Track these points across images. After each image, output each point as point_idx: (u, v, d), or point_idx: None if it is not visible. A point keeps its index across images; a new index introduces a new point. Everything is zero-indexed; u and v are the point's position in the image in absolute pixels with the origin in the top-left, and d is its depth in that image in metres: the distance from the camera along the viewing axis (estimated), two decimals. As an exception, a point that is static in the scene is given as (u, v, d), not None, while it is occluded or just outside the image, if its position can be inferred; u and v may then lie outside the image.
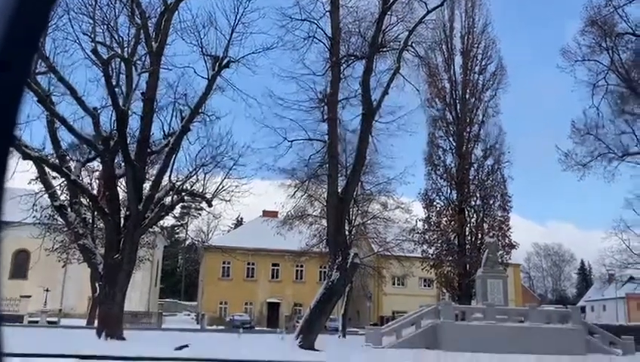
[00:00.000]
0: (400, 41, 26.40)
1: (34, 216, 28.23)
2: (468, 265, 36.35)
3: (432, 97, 39.44)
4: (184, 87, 26.61)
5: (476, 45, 40.30)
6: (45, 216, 30.73)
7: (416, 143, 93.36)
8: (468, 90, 39.46)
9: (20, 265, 51.50)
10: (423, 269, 39.60)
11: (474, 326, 25.91)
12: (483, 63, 39.95)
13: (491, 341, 24.05)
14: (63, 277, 49.86)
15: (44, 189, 25.47)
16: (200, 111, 24.62)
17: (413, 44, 27.10)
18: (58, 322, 41.38)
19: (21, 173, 26.67)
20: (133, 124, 24.73)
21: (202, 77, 24.31)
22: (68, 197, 26.61)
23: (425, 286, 55.06)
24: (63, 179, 25.00)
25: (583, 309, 63.02)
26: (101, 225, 28.13)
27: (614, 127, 30.99)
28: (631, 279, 47.76)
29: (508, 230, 38.11)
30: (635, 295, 58.96)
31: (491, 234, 36.47)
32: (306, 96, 26.36)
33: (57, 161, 23.98)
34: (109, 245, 23.34)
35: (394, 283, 53.96)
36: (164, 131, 25.69)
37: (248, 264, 56.68)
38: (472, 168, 38.77)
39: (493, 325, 25.58)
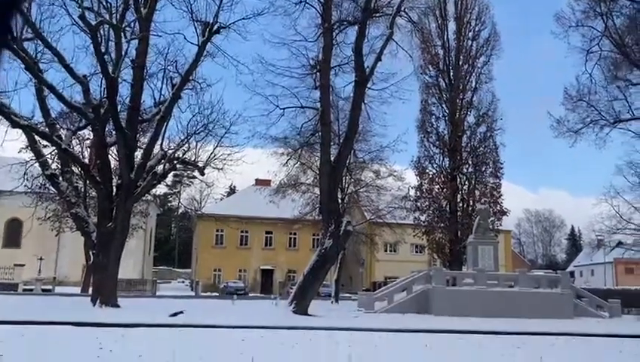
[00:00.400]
0: (393, 7, 26.04)
1: (25, 185, 28.12)
2: (459, 232, 36.71)
3: (425, 64, 39.18)
4: (174, 53, 26.29)
5: (470, 11, 39.86)
6: (37, 185, 30.65)
7: (409, 111, 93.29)
8: (461, 57, 39.19)
9: (13, 233, 51.62)
10: (414, 236, 40.00)
11: (464, 291, 26.33)
12: (476, 29, 39.60)
13: (482, 305, 24.51)
14: (57, 246, 50.02)
15: (34, 158, 25.30)
16: (191, 78, 24.35)
17: (407, 10, 26.76)
18: (52, 290, 41.64)
19: (11, 142, 26.52)
20: (124, 91, 24.50)
21: (192, 43, 23.99)
22: (59, 166, 26.46)
23: (416, 252, 55.68)
24: (54, 147, 24.79)
25: (572, 274, 64.16)
26: (93, 193, 28.07)
27: (607, 93, 30.96)
28: (619, 244, 48.37)
29: (499, 197, 38.41)
30: (623, 260, 59.88)
31: (483, 201, 36.74)
32: (298, 63, 26.10)
33: (47, 129, 23.73)
34: (101, 213, 23.34)
35: (386, 250, 54.54)
36: (154, 99, 25.46)
37: (242, 232, 57.04)
38: (465, 135, 38.77)
39: (484, 290, 26.00)
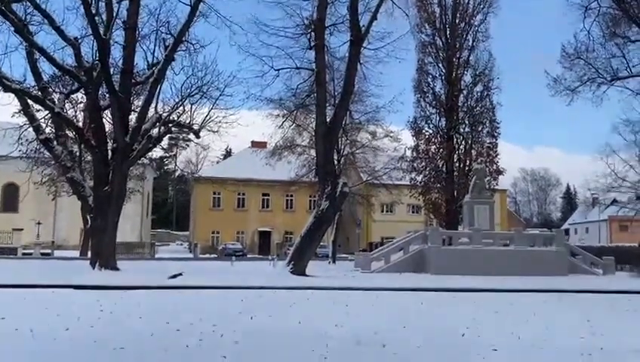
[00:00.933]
0: (389, -37, 25.47)
1: (20, 150, 27.98)
2: (455, 192, 36.88)
3: (421, 22, 38.58)
4: (166, 14, 25.81)
5: (466, -35, 39.03)
6: (32, 150, 30.47)
7: (405, 71, 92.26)
8: (458, 15, 38.56)
9: (10, 198, 51.67)
10: (411, 196, 40.20)
11: (460, 250, 26.64)
12: (473, -14, 38.86)
13: (477, 264, 24.84)
14: (54, 210, 50.18)
15: (28, 122, 25.09)
16: (183, 39, 23.93)
17: (403, -34, 26.18)
18: (52, 254, 41.96)
19: (4, 106, 26.26)
20: (116, 54, 24.10)
21: (185, 3, 23.42)
22: (53, 130, 26.27)
23: (413, 212, 56.12)
24: (47, 111, 24.54)
25: (566, 232, 64.73)
26: (89, 157, 27.94)
27: (605, 50, 30.66)
28: (614, 202, 48.82)
29: (496, 156, 38.46)
30: (618, 217, 60.34)
31: (479, 160, 36.77)
32: (292, 23, 25.61)
33: (39, 93, 23.46)
34: (97, 177, 23.30)
35: (382, 211, 54.93)
36: (147, 61, 25.09)
37: (239, 194, 57.25)
38: (462, 95, 38.52)
39: (479, 249, 26.30)
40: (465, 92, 38.56)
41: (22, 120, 25.96)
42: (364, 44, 25.53)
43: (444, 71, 38.57)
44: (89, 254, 27.70)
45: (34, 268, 24.12)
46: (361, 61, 26.58)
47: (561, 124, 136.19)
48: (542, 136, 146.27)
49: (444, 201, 37.52)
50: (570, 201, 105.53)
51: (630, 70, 30.61)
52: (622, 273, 28.48)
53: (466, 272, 23.43)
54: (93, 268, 21.77)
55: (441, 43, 38.67)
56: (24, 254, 40.13)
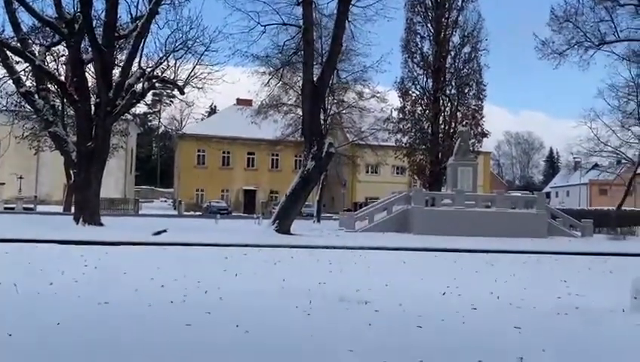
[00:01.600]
0: None
1: (0, 103, 27.40)
2: (440, 154, 37.02)
3: (410, -21, 37.96)
4: (150, -35, 25.05)
5: None
6: (12, 103, 29.87)
7: (393, 30, 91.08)
8: (448, -27, 37.95)
9: (-9, 152, 50.85)
10: (396, 158, 40.32)
11: (443, 211, 26.93)
12: (463, -57, 38.09)
13: (459, 225, 25.17)
14: (37, 165, 49.58)
15: (7, 75, 24.47)
16: (168, -8, 23.36)
17: None
18: (34, 209, 41.66)
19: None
20: (98, 6, 23.50)
21: (169, -46, 22.83)
22: (34, 84, 25.68)
23: (397, 173, 56.38)
24: (27, 64, 23.95)
25: (547, 195, 65.71)
26: (71, 112, 27.48)
27: (594, 14, 30.55)
28: (595, 166, 49.51)
29: (481, 119, 38.55)
30: (598, 181, 61.26)
31: (464, 123, 36.86)
32: (280, -23, 25.11)
33: (19, 44, 22.85)
34: (80, 133, 22.97)
35: (367, 171, 55.09)
36: (131, 14, 24.53)
37: (224, 153, 56.93)
38: (449, 56, 38.24)
39: (462, 210, 26.60)
40: (453, 53, 38.27)
41: (1, 72, 25.32)
42: (352, 1, 25.09)
43: (432, 31, 38.17)
44: (72, 209, 27.55)
45: (16, 222, 23.97)
46: (350, 19, 26.19)
47: (547, 88, 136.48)
48: (528, 100, 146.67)
49: (429, 163, 37.69)
50: (552, 165, 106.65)
51: (618, 35, 30.59)
52: (600, 235, 29.05)
53: (448, 233, 23.75)
54: (77, 224, 21.70)
55: (430, 2, 38.13)
56: (6, 208, 39.80)
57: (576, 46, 30.78)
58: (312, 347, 4.68)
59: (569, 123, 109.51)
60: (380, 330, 5.39)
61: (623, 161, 44.36)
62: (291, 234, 22.26)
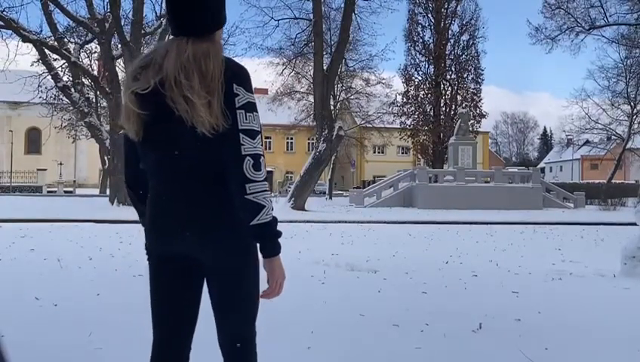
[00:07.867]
0: None
1: (40, 97, 27.63)
2: (442, 134, 36.79)
3: (412, -27, 37.40)
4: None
5: None
6: (51, 96, 30.06)
7: (397, 21, 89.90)
8: (447, -34, 37.32)
9: (34, 141, 51.50)
10: (400, 139, 40.15)
11: (445, 186, 26.80)
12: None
13: (460, 199, 25.05)
14: (75, 152, 50.09)
15: (46, 71, 24.74)
16: (189, -9, 23.19)
17: None
18: (73, 192, 42.15)
19: (23, 56, 25.70)
20: (126, 5, 23.52)
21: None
22: (70, 78, 25.91)
23: (402, 153, 56.12)
24: (64, 60, 24.17)
25: (542, 170, 65.05)
26: (104, 103, 27.64)
27: (584, 1, 29.94)
28: (586, 143, 48.90)
29: (479, 101, 38.24)
30: (589, 156, 60.68)
31: (464, 105, 36.52)
32: (291, -26, 24.83)
33: (56, 43, 23.01)
34: (113, 122, 23.11)
35: (374, 152, 54.91)
36: (156, 13, 24.70)
37: (243, 137, 56.92)
38: (449, 44, 37.89)
39: (463, 186, 26.45)
40: (452, 41, 37.94)
41: (41, 68, 25.56)
42: (358, -5, 24.80)
43: (432, 21, 37.77)
44: (108, 192, 27.82)
45: (58, 204, 24.26)
46: (356, 12, 25.94)
47: (546, 70, 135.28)
48: (531, 82, 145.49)
49: (431, 143, 37.51)
50: (546, 142, 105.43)
51: (607, 19, 29.98)
52: (591, 206, 28.76)
53: (450, 207, 23.66)
54: (112, 205, 21.92)
55: (430, -7, 37.64)
56: (49, 192, 40.31)
57: (567, 31, 30.28)
58: (326, 311, 4.69)
59: (561, 102, 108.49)
60: (388, 296, 5.40)
61: (613, 137, 43.78)
62: (306, 210, 22.32)
